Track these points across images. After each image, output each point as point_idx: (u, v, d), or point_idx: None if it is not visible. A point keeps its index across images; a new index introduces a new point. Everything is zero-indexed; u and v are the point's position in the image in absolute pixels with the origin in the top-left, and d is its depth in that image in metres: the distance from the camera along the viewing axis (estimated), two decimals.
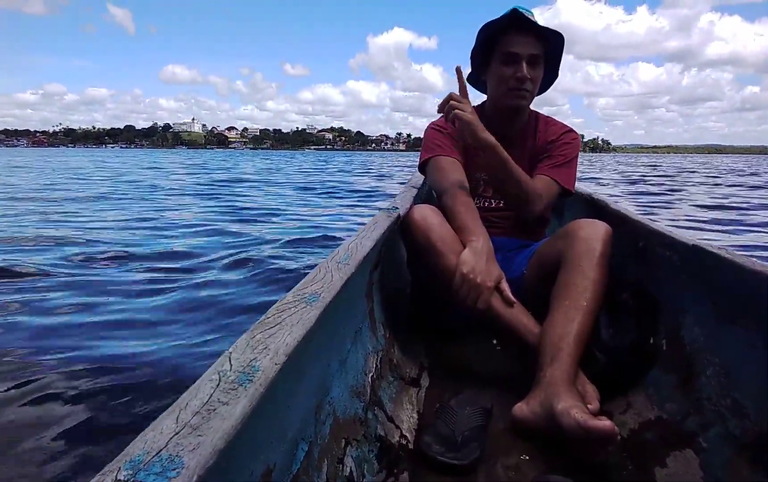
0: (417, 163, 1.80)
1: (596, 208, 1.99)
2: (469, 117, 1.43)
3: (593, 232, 1.35)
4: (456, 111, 1.43)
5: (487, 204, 1.75)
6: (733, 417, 1.02)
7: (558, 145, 1.69)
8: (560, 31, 1.59)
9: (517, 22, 1.56)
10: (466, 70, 1.79)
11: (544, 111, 1.77)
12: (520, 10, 1.57)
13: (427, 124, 1.79)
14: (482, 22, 1.62)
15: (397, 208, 1.61)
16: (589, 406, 1.13)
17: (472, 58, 1.73)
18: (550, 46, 1.61)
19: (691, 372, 1.19)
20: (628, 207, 1.87)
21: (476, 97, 1.84)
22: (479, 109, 1.78)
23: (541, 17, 1.60)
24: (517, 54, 1.55)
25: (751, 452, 0.94)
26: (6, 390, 1.70)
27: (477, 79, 1.76)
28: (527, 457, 1.06)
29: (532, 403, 1.14)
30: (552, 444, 1.07)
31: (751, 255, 1.12)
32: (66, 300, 2.74)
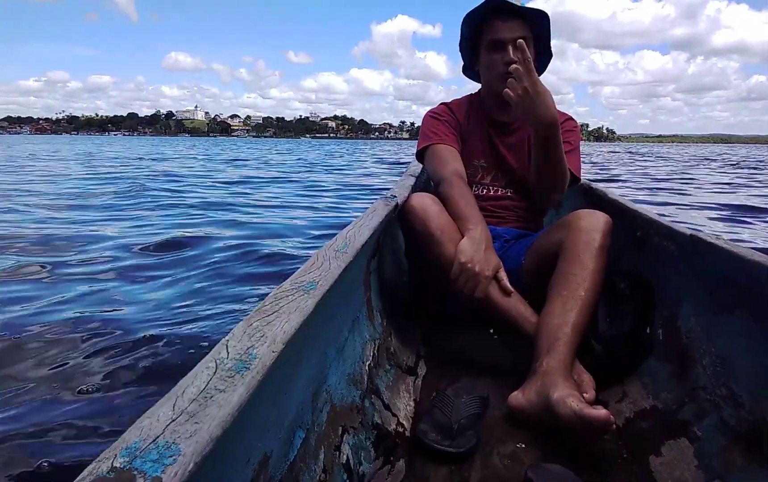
0: None
1: (594, 198, 1.98)
2: (541, 88, 1.39)
3: (594, 223, 1.35)
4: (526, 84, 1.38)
5: (485, 191, 1.74)
6: (728, 406, 1.02)
7: (562, 132, 1.68)
8: (544, 10, 1.57)
9: (497, 7, 1.54)
10: (459, 63, 1.78)
11: None
12: None
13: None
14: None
15: (395, 196, 1.62)
16: (584, 395, 1.14)
17: (461, 49, 1.72)
18: (536, 26, 1.59)
19: (686, 361, 1.19)
20: (625, 196, 1.87)
21: (468, 88, 1.81)
22: (475, 97, 1.78)
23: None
24: (502, 40, 1.54)
25: (746, 441, 0.94)
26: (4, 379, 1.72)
27: (470, 69, 1.75)
28: (523, 445, 1.07)
29: (528, 392, 1.14)
30: (548, 433, 1.08)
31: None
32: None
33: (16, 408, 1.54)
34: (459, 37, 1.69)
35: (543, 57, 1.69)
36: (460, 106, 1.77)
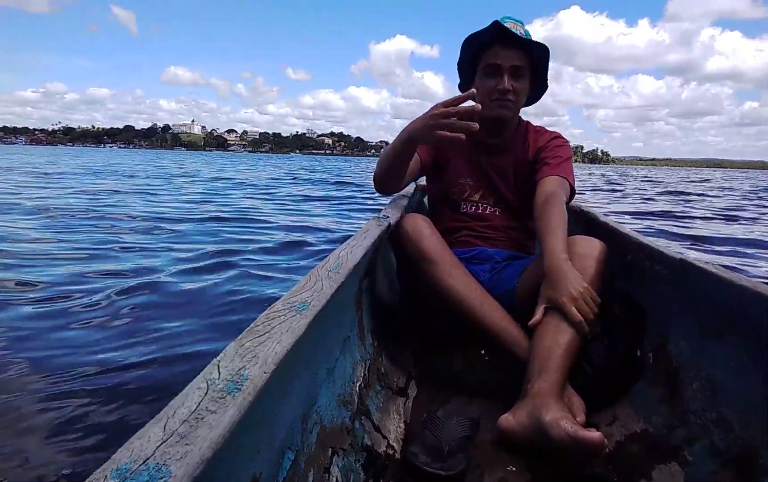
0: None
1: (585, 221, 2.00)
2: None
3: (589, 250, 1.36)
4: None
5: (473, 209, 1.75)
6: (718, 430, 1.03)
7: (550, 148, 1.69)
8: (544, 43, 1.60)
9: (499, 35, 1.57)
10: (456, 83, 1.81)
11: (544, 121, 1.79)
12: (507, 20, 1.58)
13: None
14: None
15: (387, 217, 1.63)
16: (576, 418, 1.14)
17: (459, 68, 1.74)
18: (534, 57, 1.62)
19: (677, 385, 1.20)
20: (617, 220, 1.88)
21: None
22: None
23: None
24: (499, 66, 1.57)
25: (736, 466, 0.95)
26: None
27: (466, 88, 1.77)
28: (513, 469, 1.06)
29: (519, 414, 1.13)
30: (538, 457, 1.07)
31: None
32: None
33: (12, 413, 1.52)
34: (458, 57, 1.71)
35: (538, 87, 1.72)
36: None
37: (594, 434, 0.96)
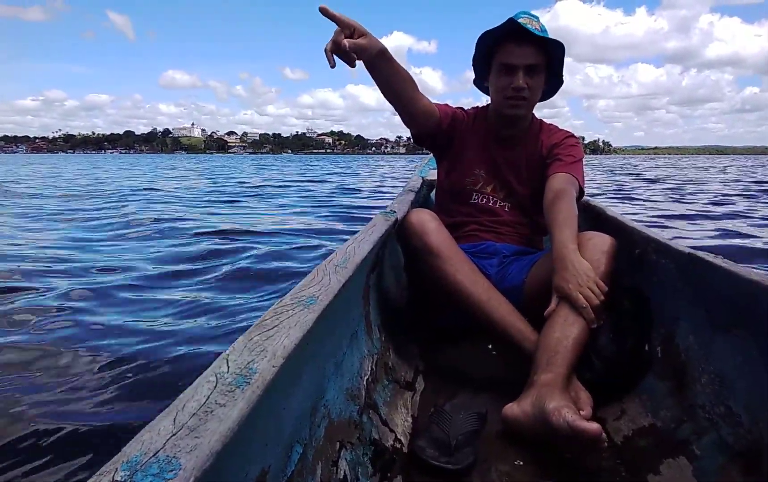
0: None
1: (592, 215, 1.99)
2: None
3: (599, 245, 1.36)
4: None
5: (485, 201, 1.75)
6: (726, 425, 1.02)
7: (564, 147, 1.69)
8: (560, 40, 1.58)
9: (514, 32, 1.56)
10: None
11: (544, 113, 1.78)
12: (522, 15, 1.57)
13: None
14: (482, 27, 1.64)
15: (394, 211, 1.63)
16: (581, 412, 1.13)
17: (474, 65, 1.74)
18: (550, 54, 1.61)
19: (685, 379, 1.19)
20: (624, 214, 1.87)
21: (462, 103, 1.87)
22: (482, 110, 1.81)
23: (541, 20, 1.60)
24: (514, 65, 1.56)
25: (744, 460, 0.94)
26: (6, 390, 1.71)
27: (481, 83, 1.77)
28: (521, 463, 1.06)
29: (524, 403, 1.14)
30: (546, 451, 1.07)
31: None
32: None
33: (17, 417, 1.53)
34: (473, 53, 1.70)
35: (552, 83, 1.71)
36: (468, 113, 1.81)
37: (592, 425, 0.96)
